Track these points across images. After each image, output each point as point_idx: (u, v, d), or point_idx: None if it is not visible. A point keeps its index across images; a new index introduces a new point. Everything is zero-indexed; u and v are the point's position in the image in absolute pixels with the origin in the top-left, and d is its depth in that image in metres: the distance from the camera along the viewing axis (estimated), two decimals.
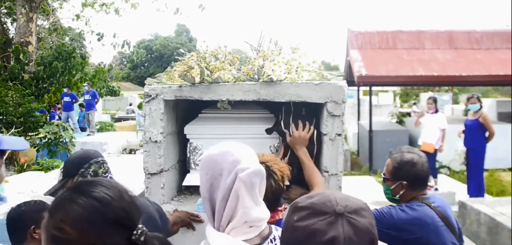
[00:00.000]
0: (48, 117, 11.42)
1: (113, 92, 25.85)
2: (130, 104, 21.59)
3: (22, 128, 8.60)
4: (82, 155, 1.89)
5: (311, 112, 2.11)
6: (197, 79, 2.00)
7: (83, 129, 13.32)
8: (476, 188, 6.53)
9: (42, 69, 12.41)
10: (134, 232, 0.95)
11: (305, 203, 0.93)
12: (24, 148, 2.07)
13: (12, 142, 2.24)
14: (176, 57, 2.32)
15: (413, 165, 1.98)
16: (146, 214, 1.48)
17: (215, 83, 2.01)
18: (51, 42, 15.92)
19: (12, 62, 11.67)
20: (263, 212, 1.27)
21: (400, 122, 12.31)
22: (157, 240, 0.98)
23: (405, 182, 1.99)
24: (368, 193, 6.34)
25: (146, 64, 51.06)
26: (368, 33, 11.61)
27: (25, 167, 7.91)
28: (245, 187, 1.20)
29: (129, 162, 6.44)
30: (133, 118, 16.43)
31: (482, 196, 6.44)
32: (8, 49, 11.99)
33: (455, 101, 21.56)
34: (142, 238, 0.95)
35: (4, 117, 8.67)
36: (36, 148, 7.95)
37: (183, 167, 2.41)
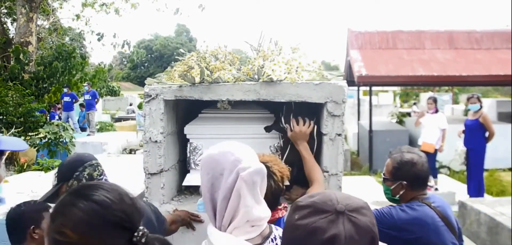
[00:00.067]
0: (48, 117, 11.42)
1: (113, 92, 25.86)
2: (131, 104, 21.59)
3: (22, 128, 8.59)
4: (76, 159, 1.87)
5: (311, 111, 2.12)
6: (197, 79, 2.00)
7: (83, 129, 13.32)
8: (476, 188, 6.53)
9: (42, 69, 12.41)
10: (135, 234, 0.95)
11: (306, 202, 0.94)
12: (23, 149, 2.07)
13: (11, 142, 2.24)
14: (176, 57, 2.32)
15: (413, 165, 1.98)
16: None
17: (215, 83, 2.01)
18: (51, 42, 15.92)
19: (12, 62, 11.66)
20: (264, 211, 1.27)
21: (400, 122, 12.31)
22: (158, 241, 0.99)
23: (405, 182, 1.99)
24: (368, 193, 6.34)
25: (146, 64, 51.08)
26: (368, 33, 11.61)
27: (25, 167, 7.92)
28: (246, 186, 1.20)
29: (129, 162, 6.44)
30: (133, 118, 16.43)
31: (482, 196, 6.44)
32: (8, 49, 11.99)
33: (455, 101, 21.57)
34: (143, 240, 0.95)
35: (4, 117, 8.67)
36: (36, 148, 7.95)
37: (183, 167, 2.41)
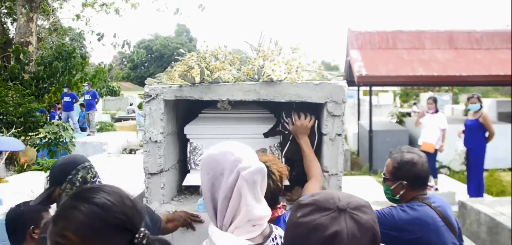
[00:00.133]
0: (48, 117, 11.42)
1: (113, 92, 25.85)
2: (131, 104, 21.60)
3: (22, 127, 8.59)
4: (68, 161, 1.84)
5: (311, 111, 2.12)
6: (197, 79, 2.00)
7: (83, 129, 13.32)
8: (476, 188, 6.53)
9: (42, 69, 12.41)
10: (136, 235, 0.97)
11: (308, 200, 0.94)
12: (20, 149, 2.07)
13: (8, 143, 2.24)
14: (176, 57, 2.32)
15: (413, 165, 1.98)
16: None
17: (215, 83, 2.01)
18: (51, 42, 15.92)
19: (12, 62, 11.67)
20: (265, 210, 1.28)
21: (400, 122, 12.31)
22: (159, 242, 1.00)
23: (405, 182, 1.99)
24: (368, 193, 6.34)
25: (146, 64, 51.08)
26: (368, 33, 11.61)
27: (25, 167, 7.92)
28: (247, 185, 1.21)
29: (129, 162, 6.44)
30: (133, 118, 16.42)
31: (482, 196, 6.44)
32: (8, 49, 11.99)
33: (455, 101, 21.57)
34: (144, 241, 0.97)
35: (4, 117, 8.67)
36: (36, 148, 7.95)
37: (183, 167, 2.41)
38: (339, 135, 2.03)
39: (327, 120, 2.02)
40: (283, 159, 2.13)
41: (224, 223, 1.23)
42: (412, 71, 10.27)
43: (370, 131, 9.99)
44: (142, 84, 2.37)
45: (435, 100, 7.43)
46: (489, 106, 11.70)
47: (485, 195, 6.73)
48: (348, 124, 11.88)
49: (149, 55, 50.55)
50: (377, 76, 10.12)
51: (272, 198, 1.56)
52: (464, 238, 3.02)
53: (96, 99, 13.31)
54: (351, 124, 12.91)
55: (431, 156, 6.79)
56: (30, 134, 8.63)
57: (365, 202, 0.94)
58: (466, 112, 11.80)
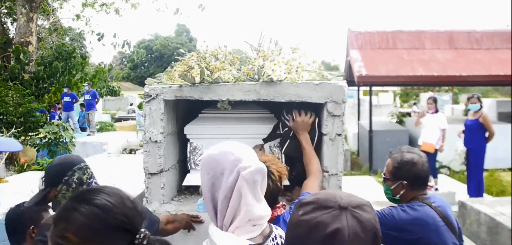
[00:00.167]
0: (48, 117, 11.41)
1: (113, 92, 25.84)
2: (131, 104, 21.60)
3: (22, 127, 8.59)
4: (64, 162, 1.81)
5: (312, 110, 2.12)
6: (197, 79, 2.00)
7: (83, 129, 13.32)
8: (476, 188, 6.53)
9: (42, 69, 12.41)
10: (137, 236, 0.97)
11: (309, 199, 0.95)
12: (18, 149, 2.06)
13: (6, 143, 2.24)
14: (176, 57, 2.32)
15: (413, 165, 1.98)
16: None
17: (215, 83, 2.01)
18: (51, 42, 15.93)
19: (12, 62, 11.67)
20: (265, 210, 1.28)
21: (400, 122, 12.32)
22: (159, 243, 1.00)
23: (405, 182, 1.99)
24: (368, 193, 6.34)
25: (146, 64, 51.07)
26: (368, 33, 11.61)
27: (25, 167, 7.92)
28: (247, 185, 1.21)
29: (129, 162, 6.44)
30: (133, 118, 16.42)
31: (481, 196, 6.44)
32: (8, 49, 12.00)
33: (455, 101, 21.57)
34: (144, 242, 0.97)
35: (4, 117, 8.67)
36: (36, 148, 7.95)
37: (183, 167, 2.41)
38: (339, 135, 2.03)
39: (327, 120, 2.02)
40: (283, 156, 2.13)
41: (224, 223, 1.23)
42: (412, 71, 10.27)
43: (370, 131, 9.99)
44: (142, 84, 2.37)
45: (435, 100, 7.43)
46: (489, 106, 11.70)
47: (485, 195, 6.73)
48: (348, 124, 11.88)
49: (149, 55, 50.55)
50: (377, 76, 10.12)
51: (271, 198, 1.56)
52: (464, 238, 3.02)
53: (96, 99, 13.31)
54: (351, 124, 12.91)
55: (431, 156, 6.79)
56: (30, 134, 8.63)
57: (366, 201, 0.94)
58: (466, 112, 11.80)
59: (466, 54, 10.88)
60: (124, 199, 1.01)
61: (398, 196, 2.03)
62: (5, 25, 14.00)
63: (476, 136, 6.55)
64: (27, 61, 11.63)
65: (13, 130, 8.11)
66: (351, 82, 9.99)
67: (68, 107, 12.77)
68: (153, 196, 2.08)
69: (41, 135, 8.19)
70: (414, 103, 20.69)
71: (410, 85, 19.41)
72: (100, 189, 1.02)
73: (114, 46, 16.49)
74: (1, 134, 7.92)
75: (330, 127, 2.02)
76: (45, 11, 14.66)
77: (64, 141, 8.02)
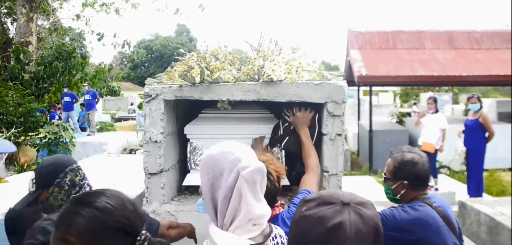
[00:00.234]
0: (48, 117, 11.42)
1: (113, 92, 25.83)
2: (132, 104, 21.61)
3: (22, 127, 8.60)
4: (55, 163, 1.77)
5: (312, 109, 2.13)
6: (197, 79, 2.00)
7: (83, 129, 13.32)
8: (476, 188, 6.53)
9: (42, 69, 12.42)
10: (138, 238, 0.98)
11: (313, 196, 0.97)
12: (11, 151, 2.04)
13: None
14: (176, 57, 2.32)
15: (414, 165, 1.98)
16: None
17: (215, 83, 2.01)
18: (51, 42, 15.93)
19: (12, 62, 11.67)
20: (265, 209, 1.28)
21: (400, 122, 12.32)
22: (160, 244, 1.00)
23: (406, 182, 1.99)
24: (368, 193, 6.34)
25: (146, 64, 51.05)
26: (368, 33, 11.61)
27: (25, 167, 7.92)
28: (247, 185, 1.21)
29: (129, 162, 6.44)
30: (133, 118, 16.43)
31: (481, 195, 6.44)
32: (8, 49, 12.00)
33: (455, 101, 21.57)
34: (145, 244, 0.98)
35: (4, 117, 8.68)
36: (36, 148, 7.95)
37: (183, 167, 2.41)
38: (339, 135, 2.03)
39: (327, 120, 2.02)
40: (284, 153, 2.14)
41: (225, 222, 1.23)
42: (412, 71, 10.27)
43: (370, 131, 9.99)
44: (142, 84, 2.37)
45: (435, 100, 7.43)
46: (489, 106, 11.70)
47: (485, 195, 6.73)
48: (348, 124, 11.88)
49: (149, 55, 50.52)
50: (377, 76, 10.12)
51: (269, 198, 1.56)
52: (464, 238, 3.02)
53: (96, 99, 13.31)
54: (351, 124, 12.91)
55: (431, 156, 6.79)
56: (30, 134, 8.64)
57: (368, 200, 0.96)
58: (466, 112, 11.80)
59: (466, 54, 10.89)
60: (124, 202, 1.02)
61: (398, 195, 2.03)
62: (5, 25, 14.00)
63: (476, 136, 6.55)
64: (27, 61, 11.63)
65: (13, 130, 8.11)
66: (351, 82, 9.99)
67: (68, 107, 12.77)
68: (153, 196, 2.08)
69: (41, 135, 8.19)
70: (414, 103, 20.69)
71: (410, 85, 19.41)
72: (100, 192, 1.03)
73: (114, 46, 16.49)
74: (1, 134, 7.92)
75: (330, 126, 2.02)
76: (45, 11, 14.67)
77: (64, 141, 8.03)
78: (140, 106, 19.55)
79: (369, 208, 0.92)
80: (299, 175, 2.04)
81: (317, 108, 2.12)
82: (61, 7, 15.96)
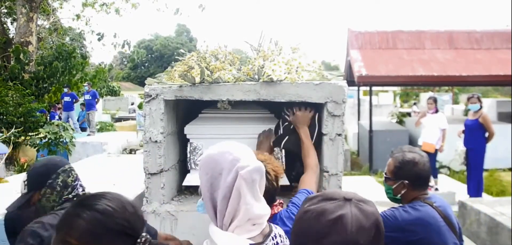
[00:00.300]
0: (48, 117, 11.42)
1: (114, 92, 25.83)
2: (132, 104, 21.61)
3: (22, 127, 8.60)
4: (47, 164, 1.76)
5: (312, 108, 2.13)
6: (197, 79, 2.00)
7: (83, 129, 13.32)
8: (476, 188, 6.53)
9: (42, 69, 12.42)
10: (138, 240, 0.99)
11: (315, 194, 1.00)
12: (3, 152, 2.04)
13: None
14: (176, 57, 2.32)
15: (414, 165, 1.98)
16: None
17: (215, 83, 2.01)
18: (51, 42, 15.93)
19: (12, 62, 11.67)
20: (265, 209, 1.28)
21: (400, 122, 12.32)
22: None
23: (406, 182, 1.99)
24: (368, 193, 6.34)
25: (146, 64, 51.04)
26: (368, 33, 11.61)
27: (25, 167, 7.91)
28: (246, 184, 1.21)
29: (129, 162, 6.44)
30: (133, 118, 16.43)
31: (480, 195, 6.44)
32: (8, 49, 12.00)
33: (455, 101, 21.57)
34: None
35: (4, 117, 8.68)
36: (36, 148, 7.95)
37: (183, 167, 2.41)
38: (339, 135, 2.03)
39: (327, 120, 2.02)
40: (284, 152, 2.14)
41: (224, 222, 1.23)
42: (412, 71, 10.27)
43: (370, 131, 9.99)
44: (142, 84, 2.37)
45: (435, 100, 7.43)
46: (489, 106, 11.70)
47: (485, 195, 6.73)
48: (348, 124, 11.89)
49: (149, 55, 50.50)
50: (377, 76, 10.12)
51: (268, 197, 1.56)
52: (464, 238, 3.02)
53: (96, 99, 13.31)
54: (351, 124, 12.91)
55: (431, 156, 6.78)
56: (30, 134, 8.63)
57: (369, 200, 0.98)
58: (466, 112, 11.80)
59: (466, 54, 10.89)
60: (125, 204, 1.02)
61: (399, 195, 2.03)
62: (5, 25, 14.00)
63: (476, 136, 6.55)
64: (27, 61, 11.63)
65: (13, 130, 8.11)
66: (351, 82, 9.99)
67: (68, 107, 12.77)
68: (153, 196, 2.08)
69: (41, 135, 8.19)
70: (414, 103, 20.71)
71: (410, 85, 19.42)
72: (101, 195, 1.04)
73: (114, 46, 16.49)
74: (1, 134, 7.92)
75: (330, 126, 2.02)
76: (45, 11, 14.67)
77: (64, 141, 8.03)
78: (140, 106, 19.55)
79: (370, 205, 0.95)
80: (299, 175, 2.04)
81: (317, 108, 2.12)
82: (61, 7, 15.98)
